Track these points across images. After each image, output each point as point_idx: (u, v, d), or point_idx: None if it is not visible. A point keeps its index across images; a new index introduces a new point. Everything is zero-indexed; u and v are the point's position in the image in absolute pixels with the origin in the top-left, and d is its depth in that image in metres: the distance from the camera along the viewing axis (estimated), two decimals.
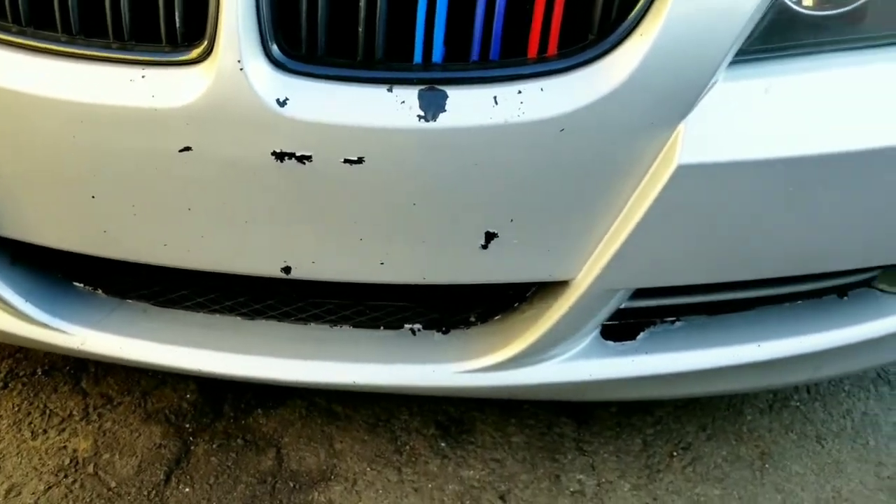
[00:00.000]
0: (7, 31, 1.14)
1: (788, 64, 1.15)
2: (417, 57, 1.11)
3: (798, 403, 1.83)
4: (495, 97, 1.09)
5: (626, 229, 1.16)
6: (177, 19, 1.10)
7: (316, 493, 1.62)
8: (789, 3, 1.14)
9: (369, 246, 1.19)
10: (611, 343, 1.37)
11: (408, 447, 1.72)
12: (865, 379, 1.90)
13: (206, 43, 1.08)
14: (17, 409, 1.77)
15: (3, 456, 1.66)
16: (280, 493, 1.62)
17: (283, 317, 1.40)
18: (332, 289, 1.36)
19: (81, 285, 1.43)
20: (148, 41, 1.12)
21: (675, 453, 1.72)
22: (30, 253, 1.34)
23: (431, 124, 1.09)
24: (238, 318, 1.41)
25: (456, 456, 1.70)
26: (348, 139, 1.10)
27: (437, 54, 1.11)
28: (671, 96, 1.09)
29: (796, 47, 1.15)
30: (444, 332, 1.39)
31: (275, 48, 1.09)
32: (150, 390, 1.82)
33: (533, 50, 1.10)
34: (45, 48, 1.13)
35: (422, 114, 1.09)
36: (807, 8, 1.15)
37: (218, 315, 1.41)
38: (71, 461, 1.66)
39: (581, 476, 1.67)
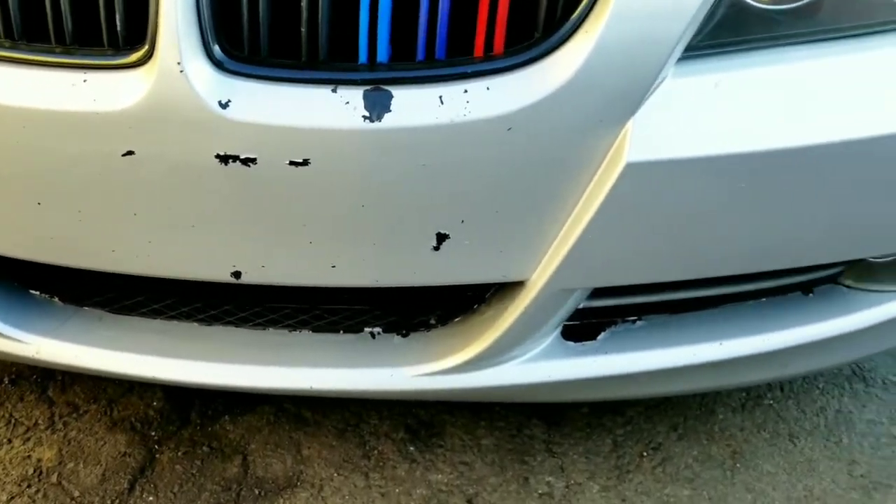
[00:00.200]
0: None
1: (739, 59, 1.13)
2: (362, 57, 1.09)
3: (771, 401, 1.82)
4: (441, 97, 1.08)
5: (577, 229, 1.15)
6: (118, 22, 1.09)
7: (281, 500, 1.60)
8: None
9: (319, 249, 1.17)
10: (571, 343, 1.35)
11: (376, 452, 1.70)
12: (840, 376, 1.88)
13: (146, 46, 1.07)
14: None
15: None
16: (245, 501, 1.60)
17: (241, 322, 1.38)
18: (290, 293, 1.34)
19: (38, 293, 1.42)
20: (91, 45, 1.11)
21: (645, 453, 1.70)
22: None
23: (377, 125, 1.07)
24: (195, 324, 1.39)
25: (424, 460, 1.68)
26: (293, 141, 1.08)
27: (383, 54, 1.09)
28: (618, 94, 1.07)
29: (748, 42, 1.14)
30: (404, 335, 1.38)
31: (216, 49, 1.07)
32: (117, 398, 1.80)
33: (479, 49, 1.09)
34: None
35: (367, 114, 1.07)
36: (759, 1, 1.13)
37: (175, 321, 1.40)
38: (35, 471, 1.64)
39: (550, 478, 1.65)
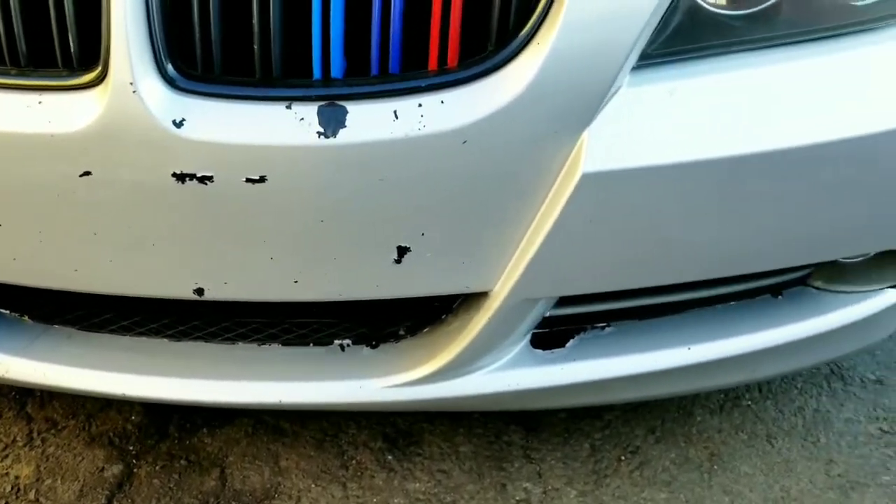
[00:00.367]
0: None
1: (695, 66, 1.13)
2: (316, 73, 1.09)
3: (749, 402, 1.82)
4: (395, 111, 1.08)
5: (537, 239, 1.15)
6: (71, 43, 1.09)
7: None
8: (700, 3, 1.12)
9: (281, 265, 1.17)
10: (540, 352, 1.35)
11: (354, 461, 1.70)
12: (818, 375, 1.88)
13: (100, 66, 1.07)
14: None
15: None
16: None
17: (209, 337, 1.38)
18: (259, 307, 1.35)
19: (6, 312, 1.42)
20: (45, 66, 1.11)
21: (622, 457, 1.70)
22: None
23: (332, 140, 1.08)
24: (165, 340, 1.39)
25: (402, 469, 1.69)
26: (249, 158, 1.09)
27: (337, 69, 1.09)
28: (572, 104, 1.07)
29: (704, 49, 1.14)
30: (374, 347, 1.38)
31: (170, 68, 1.07)
32: (96, 413, 1.80)
33: (433, 62, 1.09)
34: None
35: (321, 130, 1.08)
36: (713, 6, 1.13)
37: (144, 338, 1.40)
38: (12, 488, 1.65)
39: (527, 484, 1.65)
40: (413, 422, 1.78)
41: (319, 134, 1.07)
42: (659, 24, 1.08)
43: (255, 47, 1.07)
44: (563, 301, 1.28)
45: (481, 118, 1.07)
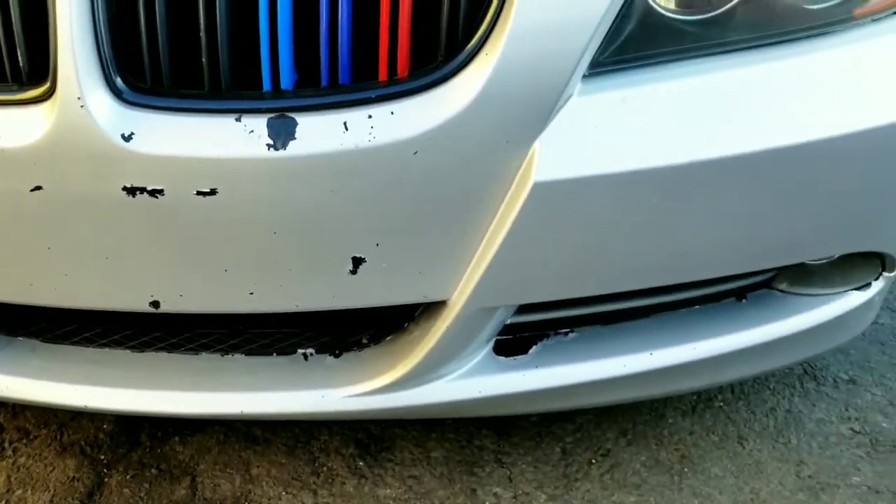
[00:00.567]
0: None
1: (648, 73, 1.13)
2: (266, 85, 1.09)
3: (721, 403, 1.82)
4: (345, 123, 1.07)
5: (492, 249, 1.15)
6: (20, 58, 1.08)
7: None
8: (653, 8, 1.12)
9: (235, 277, 1.17)
10: (503, 359, 1.35)
11: (325, 468, 1.70)
12: (791, 375, 1.88)
13: (49, 81, 1.06)
14: None
15: None
16: None
17: (172, 348, 1.38)
18: (221, 318, 1.34)
19: None
20: None
21: (594, 461, 1.70)
22: None
23: (281, 153, 1.07)
24: (128, 351, 1.39)
25: (373, 475, 1.68)
26: (199, 171, 1.08)
27: (286, 81, 1.09)
28: (523, 114, 1.07)
29: (657, 55, 1.14)
30: (337, 356, 1.37)
31: (118, 82, 1.07)
32: (68, 422, 1.80)
33: (383, 73, 1.09)
34: None
35: (271, 142, 1.07)
36: (666, 12, 1.13)
37: (107, 349, 1.39)
38: None
39: (497, 489, 1.65)
40: (386, 427, 1.78)
41: (269, 146, 1.07)
42: (609, 31, 1.07)
43: (203, 60, 1.07)
44: (524, 308, 1.28)
45: (432, 128, 1.07)
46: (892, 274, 1.40)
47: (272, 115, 1.08)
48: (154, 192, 1.09)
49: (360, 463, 1.71)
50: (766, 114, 1.15)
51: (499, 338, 1.35)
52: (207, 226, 1.12)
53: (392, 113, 1.07)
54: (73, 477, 1.69)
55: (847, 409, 1.80)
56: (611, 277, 1.21)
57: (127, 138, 1.06)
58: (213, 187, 1.09)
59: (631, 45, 1.12)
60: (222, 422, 1.78)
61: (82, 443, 1.76)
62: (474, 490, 1.65)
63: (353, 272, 1.17)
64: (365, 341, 1.38)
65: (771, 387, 1.86)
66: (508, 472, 1.68)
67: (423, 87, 1.07)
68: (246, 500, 1.64)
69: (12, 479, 1.68)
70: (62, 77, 1.05)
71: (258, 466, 1.70)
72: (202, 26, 1.05)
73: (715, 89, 1.14)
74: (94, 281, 1.18)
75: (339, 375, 1.34)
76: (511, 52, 1.04)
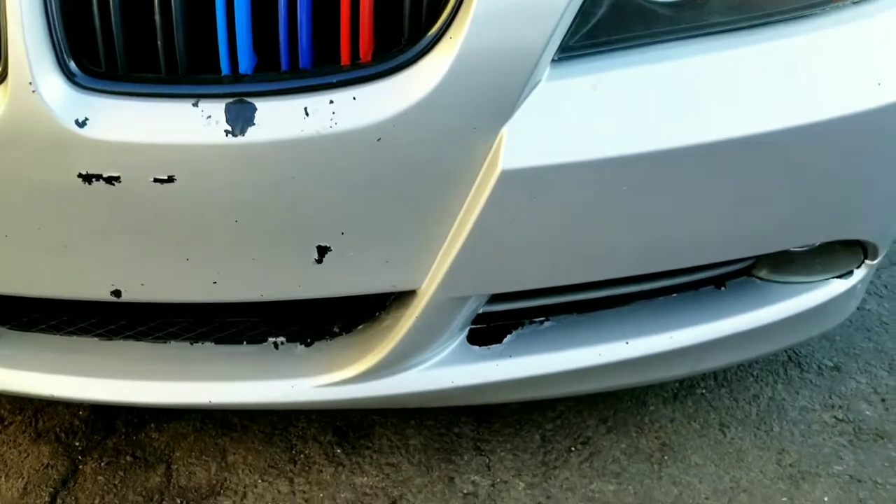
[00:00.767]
0: None
1: (620, 58, 1.10)
2: (224, 68, 1.06)
3: (704, 391, 1.80)
4: (306, 108, 1.04)
5: (460, 238, 1.12)
6: None
7: None
8: None
9: (198, 266, 1.14)
10: (476, 348, 1.33)
11: (302, 455, 1.68)
12: (775, 362, 1.86)
13: (0, 66, 1.03)
14: None
15: None
16: None
17: (140, 336, 1.35)
18: (186, 306, 1.31)
19: None
20: None
21: (573, 448, 1.68)
22: None
23: (240, 139, 1.04)
24: (96, 339, 1.37)
25: (351, 462, 1.67)
26: (156, 158, 1.05)
27: (245, 65, 1.06)
28: (489, 99, 1.04)
29: (629, 39, 1.11)
30: (308, 345, 1.35)
31: (72, 65, 1.04)
32: (43, 408, 1.78)
33: (345, 57, 1.05)
34: None
35: (229, 128, 1.04)
36: None
37: (76, 337, 1.37)
38: None
39: (476, 477, 1.63)
40: (364, 414, 1.76)
41: (227, 132, 1.04)
42: (579, 14, 1.04)
43: (159, 43, 1.03)
44: (497, 298, 1.26)
45: (395, 114, 1.04)
46: (874, 262, 1.37)
47: (230, 99, 1.05)
48: (111, 180, 1.06)
49: (338, 450, 1.69)
50: (743, 99, 1.12)
51: (472, 326, 1.32)
52: (167, 214, 1.09)
53: (354, 98, 1.04)
54: (48, 464, 1.67)
55: (831, 397, 1.78)
56: (584, 267, 1.18)
57: (81, 124, 1.03)
58: (171, 174, 1.06)
59: (602, 29, 1.08)
60: (198, 409, 1.76)
61: (57, 429, 1.74)
62: (452, 478, 1.63)
63: (319, 261, 1.15)
64: (336, 330, 1.35)
65: (754, 374, 1.83)
66: (487, 460, 1.66)
67: (386, 72, 1.04)
68: (221, 488, 1.62)
69: None
70: (13, 60, 1.01)
71: (234, 454, 1.68)
72: (157, 8, 1.02)
73: (689, 74, 1.11)
74: (52, 269, 1.16)
75: (309, 365, 1.32)
76: (476, 36, 1.00)
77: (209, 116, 1.04)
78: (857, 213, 1.26)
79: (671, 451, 1.67)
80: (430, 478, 1.63)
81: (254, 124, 1.04)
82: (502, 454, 1.67)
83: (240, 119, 1.04)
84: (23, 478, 1.64)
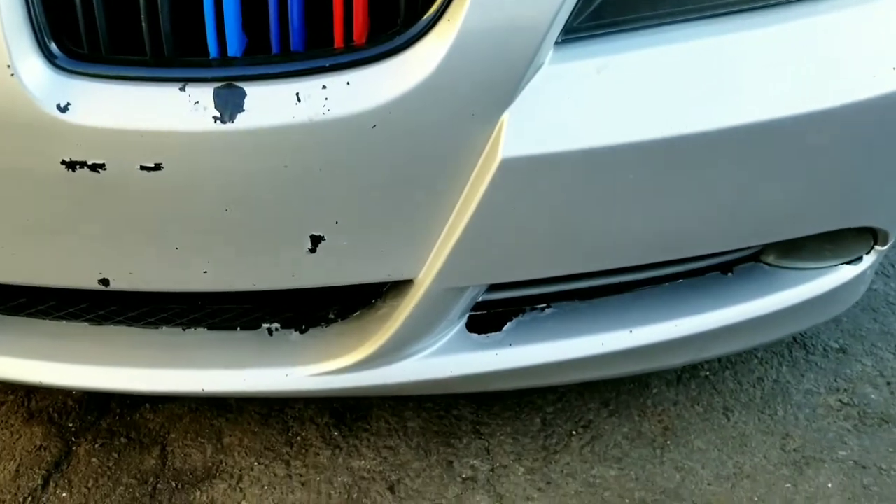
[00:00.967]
0: None
1: (627, 40, 1.05)
2: (213, 51, 1.01)
3: (708, 373, 1.77)
4: (298, 93, 1.00)
5: (459, 227, 1.08)
6: None
7: (198, 493, 1.56)
8: None
9: (187, 255, 1.11)
10: (475, 336, 1.29)
11: (299, 438, 1.66)
12: (780, 344, 1.83)
13: None
14: None
15: None
16: (161, 495, 1.56)
17: (131, 321, 1.32)
18: (177, 294, 1.28)
19: None
20: None
21: (574, 432, 1.66)
22: None
23: (229, 126, 1.00)
24: (86, 324, 1.33)
25: (348, 445, 1.64)
26: (142, 145, 1.01)
27: (234, 47, 1.01)
28: (489, 84, 0.99)
29: (636, 21, 1.06)
30: (302, 332, 1.32)
31: (53, 47, 0.99)
32: (35, 388, 1.75)
33: (339, 40, 1.01)
34: None
35: (217, 114, 1.00)
36: None
37: (65, 322, 1.34)
38: None
39: (475, 461, 1.61)
40: (362, 397, 1.73)
41: (216, 118, 1.00)
42: None
43: (143, 23, 0.98)
44: (497, 286, 1.22)
45: (391, 100, 0.99)
46: (884, 248, 1.33)
47: (219, 84, 1.00)
48: (95, 167, 1.02)
49: (335, 433, 1.66)
50: (755, 84, 1.07)
51: (472, 313, 1.29)
52: (154, 202, 1.05)
53: (348, 83, 1.00)
54: (40, 445, 1.65)
55: (836, 380, 1.75)
56: (586, 257, 1.14)
57: (63, 109, 0.99)
58: (158, 162, 1.02)
59: (608, 9, 1.03)
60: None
61: (50, 410, 1.71)
62: (451, 462, 1.61)
63: (313, 251, 1.11)
64: (331, 317, 1.32)
65: (759, 356, 1.80)
66: (486, 444, 1.64)
67: (382, 56, 0.99)
68: (217, 471, 1.60)
69: None
70: None
71: (230, 435, 1.66)
72: None
73: (700, 57, 1.06)
74: (38, 257, 1.12)
75: (304, 352, 1.29)
76: (475, 18, 0.96)
77: (197, 102, 1.00)
78: (869, 200, 1.21)
79: (674, 436, 1.64)
80: (428, 462, 1.61)
81: (243, 110, 1.00)
82: (502, 438, 1.65)
83: (229, 105, 1.00)
84: (15, 460, 1.62)
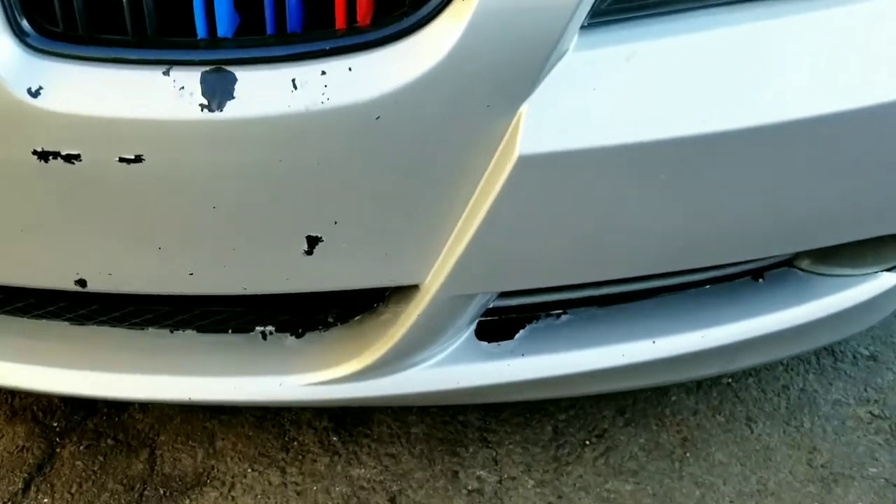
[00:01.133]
0: None
1: (660, 25, 0.95)
2: (201, 31, 0.91)
3: (730, 380, 1.67)
4: (294, 80, 0.90)
5: (469, 230, 0.98)
6: None
7: (187, 501, 1.47)
8: None
9: (171, 255, 1.01)
10: (485, 344, 1.19)
11: (296, 443, 1.57)
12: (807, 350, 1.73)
13: None
14: None
15: None
16: (147, 502, 1.47)
17: (115, 321, 1.22)
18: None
19: None
20: None
21: (588, 442, 1.56)
22: None
23: (217, 115, 0.90)
24: (66, 323, 1.24)
25: (347, 452, 1.55)
26: (121, 134, 0.91)
27: (224, 27, 0.91)
28: (506, 72, 0.89)
29: (671, 3, 0.95)
30: (299, 336, 1.22)
31: (24, 24, 0.90)
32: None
33: (341, 20, 0.90)
34: None
35: (205, 102, 0.90)
36: None
37: (44, 321, 1.24)
38: None
39: (482, 472, 1.52)
40: (361, 406, 1.64)
41: (203, 106, 0.90)
42: None
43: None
44: (509, 292, 1.12)
45: (397, 89, 0.89)
46: None
47: (207, 68, 0.90)
48: (70, 158, 0.93)
49: (334, 438, 1.57)
50: (802, 75, 0.97)
51: (481, 319, 1.19)
52: (135, 197, 0.96)
53: (350, 69, 0.90)
54: (23, 446, 1.56)
55: (866, 390, 1.65)
56: (609, 264, 1.04)
57: (34, 93, 0.89)
58: (139, 154, 0.92)
59: None
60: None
61: (34, 408, 1.62)
62: (456, 472, 1.51)
63: (309, 252, 1.01)
64: (330, 320, 1.22)
65: (784, 362, 1.70)
66: (494, 453, 1.55)
67: (388, 39, 0.89)
68: (208, 477, 1.51)
69: None
70: None
71: (223, 439, 1.57)
72: None
73: (738, 45, 0.96)
74: (10, 255, 1.03)
75: (300, 360, 1.19)
76: None
77: (182, 87, 0.90)
78: None
79: (693, 448, 1.55)
80: (432, 471, 1.52)
81: (233, 98, 0.90)
82: (511, 447, 1.56)
83: (217, 91, 0.90)
84: None
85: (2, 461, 1.53)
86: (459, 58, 0.88)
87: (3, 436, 1.57)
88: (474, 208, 0.97)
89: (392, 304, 1.15)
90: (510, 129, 0.92)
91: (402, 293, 1.13)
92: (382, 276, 1.05)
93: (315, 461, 1.54)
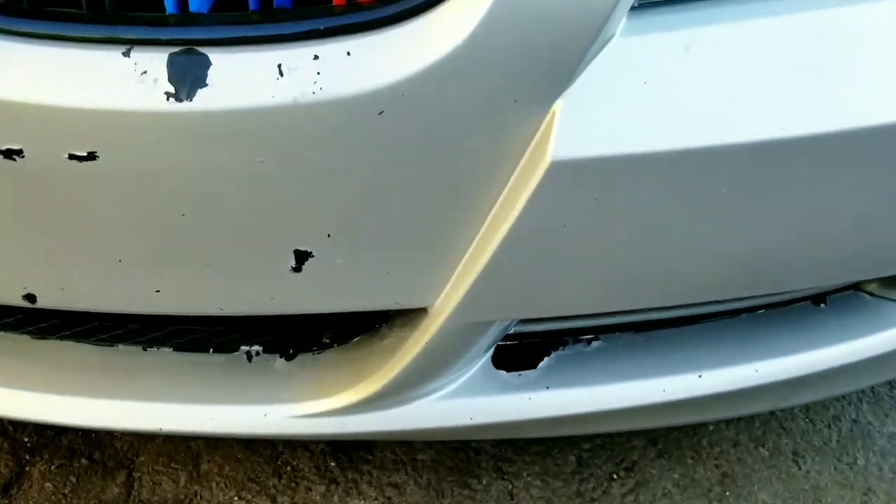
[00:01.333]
0: None
1: (725, 8, 0.78)
2: (170, 5, 0.75)
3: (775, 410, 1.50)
4: (280, 65, 0.74)
5: (489, 248, 0.82)
6: None
7: None
8: None
9: (133, 269, 0.86)
10: (504, 374, 1.04)
11: (289, 468, 1.42)
12: None
13: None
14: None
15: None
16: None
17: (80, 337, 1.07)
18: None
19: None
20: None
21: (615, 476, 1.40)
22: None
23: (186, 105, 0.75)
24: (26, 336, 1.09)
25: (346, 480, 1.40)
26: (71, 127, 0.76)
27: (198, 1, 0.75)
28: (538, 61, 0.73)
29: None
30: (289, 358, 1.07)
31: None
32: None
33: None
34: None
35: (172, 90, 0.75)
36: None
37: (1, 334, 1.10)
38: None
39: None
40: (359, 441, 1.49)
41: (169, 95, 0.75)
42: None
43: None
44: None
45: (405, 78, 0.74)
46: None
47: (175, 49, 0.75)
48: (10, 154, 0.78)
49: (332, 464, 1.42)
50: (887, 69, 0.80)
51: (500, 344, 1.03)
52: (87, 202, 0.81)
53: (348, 53, 0.74)
54: None
55: None
56: (651, 290, 0.88)
57: None
58: (92, 150, 0.77)
59: None
60: None
61: (5, 421, 1.48)
62: None
63: (297, 269, 0.86)
64: (326, 341, 1.07)
65: None
66: (510, 486, 1.39)
67: (395, 18, 0.74)
68: None
69: None
70: None
71: (209, 461, 1.42)
72: None
73: (827, 32, 0.79)
74: None
75: (290, 387, 1.04)
76: None
77: (145, 72, 0.75)
78: None
79: (733, 485, 1.39)
80: None
81: (206, 85, 0.75)
82: (529, 479, 1.40)
83: (187, 77, 0.74)
84: None
85: None
86: (481, 42, 0.72)
87: None
88: (495, 222, 0.81)
89: (397, 328, 1.00)
90: (541, 130, 0.76)
91: (408, 314, 0.98)
92: (384, 297, 0.89)
93: (310, 490, 1.39)
